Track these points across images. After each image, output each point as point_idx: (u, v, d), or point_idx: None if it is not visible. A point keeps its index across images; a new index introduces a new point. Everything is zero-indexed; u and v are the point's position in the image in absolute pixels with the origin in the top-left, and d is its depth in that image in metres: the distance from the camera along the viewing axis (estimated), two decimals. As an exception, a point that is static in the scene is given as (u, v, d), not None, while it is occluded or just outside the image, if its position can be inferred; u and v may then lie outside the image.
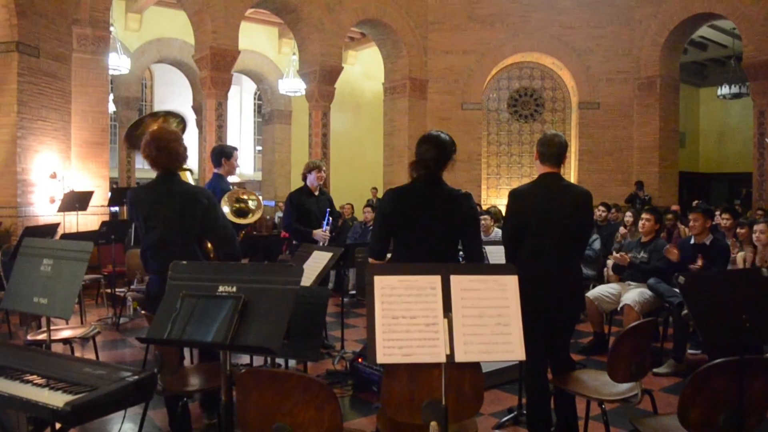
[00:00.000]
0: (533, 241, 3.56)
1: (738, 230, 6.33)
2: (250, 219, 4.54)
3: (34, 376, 2.36)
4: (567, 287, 3.57)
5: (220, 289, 2.29)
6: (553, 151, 3.62)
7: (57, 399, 2.14)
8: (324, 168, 6.34)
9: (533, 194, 3.66)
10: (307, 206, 6.09)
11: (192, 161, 15.85)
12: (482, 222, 8.09)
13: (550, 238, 3.54)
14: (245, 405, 2.28)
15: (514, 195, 3.77)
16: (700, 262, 5.43)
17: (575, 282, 3.69)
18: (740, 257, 5.93)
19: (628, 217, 8.51)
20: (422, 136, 3.62)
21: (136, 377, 2.31)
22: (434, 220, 3.41)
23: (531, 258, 3.54)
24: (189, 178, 4.04)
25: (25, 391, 2.25)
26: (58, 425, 2.36)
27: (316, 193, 6.22)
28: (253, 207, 4.58)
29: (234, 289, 2.27)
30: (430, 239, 3.42)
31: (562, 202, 3.59)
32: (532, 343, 3.38)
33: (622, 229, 8.25)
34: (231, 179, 5.59)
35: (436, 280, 2.16)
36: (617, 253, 6.26)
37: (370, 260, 3.59)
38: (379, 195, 15.95)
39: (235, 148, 5.50)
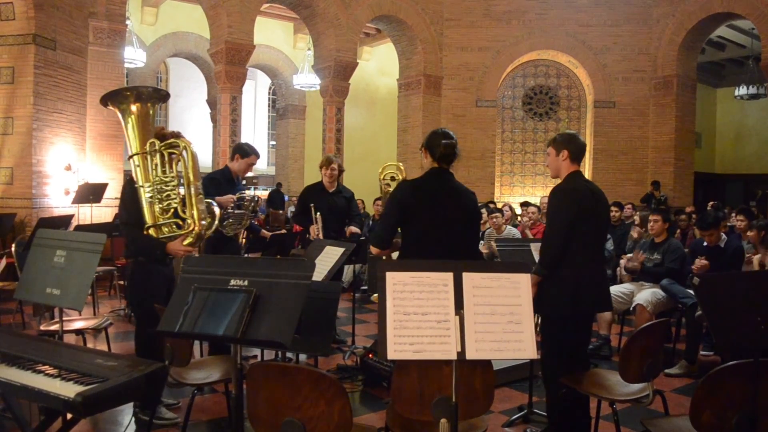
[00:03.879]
0: (587, 240, 3.54)
1: (748, 233, 6.26)
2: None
3: (47, 367, 2.37)
4: (607, 286, 3.72)
5: (232, 282, 2.29)
6: (582, 150, 3.67)
7: (68, 389, 2.15)
8: (335, 164, 6.11)
9: (584, 193, 3.57)
10: (314, 203, 5.89)
11: (205, 155, 15.90)
12: (493, 220, 8.08)
13: (600, 237, 3.63)
14: (255, 399, 2.27)
15: (567, 192, 3.57)
16: (703, 262, 5.41)
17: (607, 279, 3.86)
18: (756, 259, 5.86)
19: (636, 217, 8.48)
20: (438, 131, 3.73)
21: (147, 369, 2.32)
22: (450, 213, 3.50)
23: (587, 259, 3.52)
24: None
25: (37, 381, 2.26)
26: (69, 415, 2.38)
27: (331, 190, 6.06)
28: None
29: (245, 282, 2.27)
30: (445, 231, 3.49)
31: (604, 201, 3.69)
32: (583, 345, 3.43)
33: (637, 230, 8.21)
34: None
35: (449, 277, 2.15)
36: (630, 254, 6.23)
37: (374, 249, 3.63)
38: (391, 191, 15.91)
39: (255, 153, 5.36)
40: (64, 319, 4.72)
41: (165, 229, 3.80)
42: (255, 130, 21.86)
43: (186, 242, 3.79)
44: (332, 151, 13.68)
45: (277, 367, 2.34)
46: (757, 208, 13.48)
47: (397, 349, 2.06)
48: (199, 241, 3.84)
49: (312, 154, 17.52)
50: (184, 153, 3.73)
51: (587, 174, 14.67)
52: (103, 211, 9.54)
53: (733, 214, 8.38)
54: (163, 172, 3.75)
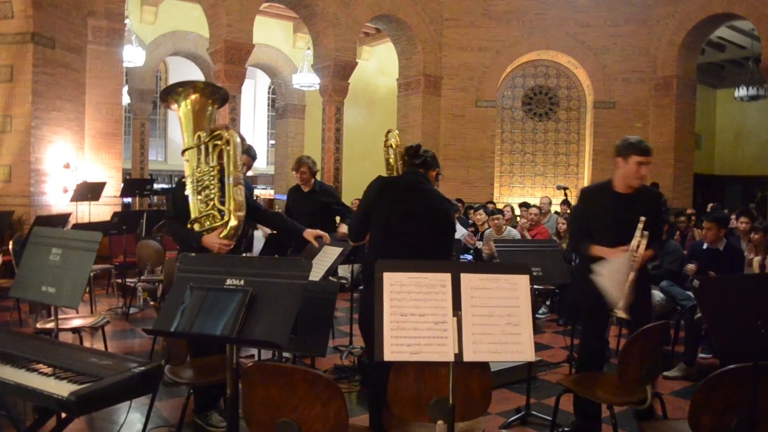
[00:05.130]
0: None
1: (752, 235, 6.24)
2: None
3: (41, 365, 2.36)
4: None
5: (228, 282, 2.27)
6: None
7: (62, 388, 2.14)
8: (304, 167, 6.00)
9: None
10: (292, 203, 6.05)
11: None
12: (494, 221, 8.06)
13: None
14: (251, 399, 2.26)
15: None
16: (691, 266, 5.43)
17: None
18: (756, 262, 5.85)
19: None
20: (416, 145, 3.85)
21: (142, 368, 2.31)
22: (416, 211, 3.56)
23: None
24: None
25: (31, 380, 2.25)
26: (63, 414, 2.36)
27: (306, 190, 6.04)
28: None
29: (242, 282, 2.25)
30: (407, 228, 3.54)
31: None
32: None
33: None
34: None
35: (446, 277, 2.13)
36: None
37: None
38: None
39: (253, 156, 5.22)
40: (61, 317, 4.73)
41: (206, 222, 3.74)
42: (254, 129, 21.84)
43: (222, 235, 3.69)
44: (332, 150, 13.68)
45: (273, 368, 2.32)
46: (757, 209, 13.45)
47: (393, 351, 2.04)
48: (235, 235, 3.73)
49: (311, 154, 17.30)
50: (226, 144, 3.68)
51: (586, 175, 14.70)
52: (102, 210, 9.52)
53: (733, 216, 8.35)
54: (206, 163, 3.70)
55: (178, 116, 3.86)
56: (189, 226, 3.73)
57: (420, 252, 3.43)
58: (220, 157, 3.72)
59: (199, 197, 3.71)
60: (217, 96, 3.89)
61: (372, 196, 3.62)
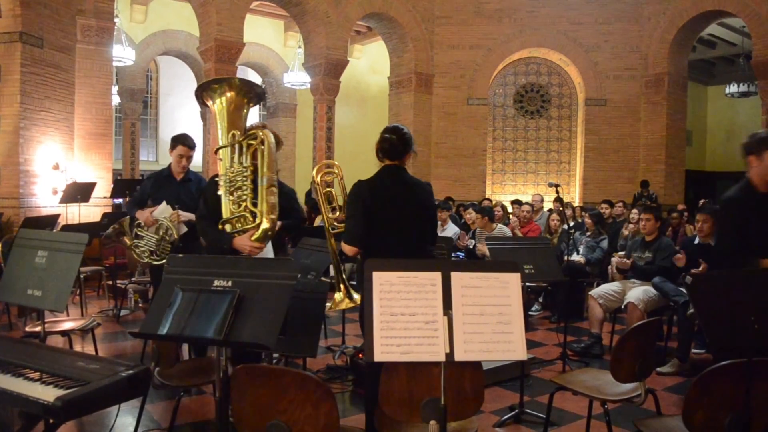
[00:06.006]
0: None
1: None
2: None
3: (27, 370, 2.32)
4: None
5: (216, 283, 2.24)
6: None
7: (48, 393, 2.10)
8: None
9: None
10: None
11: (195, 155, 15.80)
12: (484, 221, 8.02)
13: None
14: (240, 402, 2.23)
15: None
16: (680, 256, 5.42)
17: None
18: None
19: (634, 214, 8.45)
20: (387, 128, 3.80)
21: (129, 372, 2.27)
22: (405, 208, 3.54)
23: None
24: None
25: (16, 385, 2.20)
26: (51, 420, 2.32)
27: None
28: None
29: (229, 283, 2.22)
30: (400, 227, 3.52)
31: None
32: None
33: (631, 227, 8.20)
34: None
35: (437, 276, 2.11)
36: (622, 251, 6.20)
37: (347, 248, 3.56)
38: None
39: (182, 143, 4.97)
40: (51, 320, 4.69)
41: (237, 224, 3.58)
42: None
43: (254, 238, 3.51)
44: (323, 149, 13.64)
45: (263, 369, 2.29)
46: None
47: (384, 351, 2.02)
48: (267, 238, 3.58)
49: (303, 153, 17.46)
50: (260, 144, 3.54)
51: (578, 172, 14.72)
52: (92, 211, 9.47)
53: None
54: (240, 163, 3.56)
55: (213, 113, 3.76)
56: (220, 227, 3.60)
57: (407, 245, 3.43)
58: (254, 157, 3.59)
59: (231, 197, 3.56)
60: (252, 94, 3.76)
61: (363, 199, 3.55)
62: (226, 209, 3.58)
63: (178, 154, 4.90)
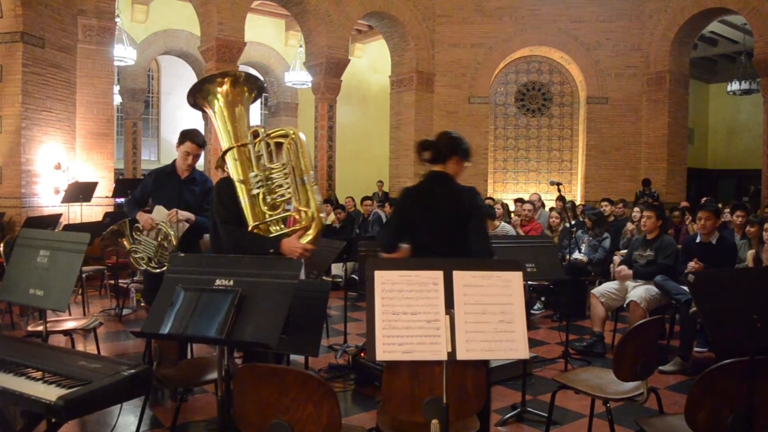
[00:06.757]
0: None
1: (748, 228, 6.24)
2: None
3: (29, 369, 2.32)
4: None
5: (217, 282, 2.24)
6: None
7: (50, 393, 2.10)
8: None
9: None
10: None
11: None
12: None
13: None
14: (242, 401, 2.23)
15: None
16: (693, 264, 5.36)
17: None
18: (750, 255, 5.84)
19: (636, 212, 8.45)
20: (420, 141, 3.66)
21: (131, 371, 2.27)
22: (442, 213, 3.43)
23: None
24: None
25: (19, 385, 2.21)
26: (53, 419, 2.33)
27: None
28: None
29: (231, 282, 2.22)
30: (436, 232, 3.44)
31: None
32: None
33: (629, 225, 8.19)
34: None
35: (439, 275, 2.10)
36: (624, 249, 6.18)
37: (383, 254, 3.56)
38: (386, 188, 15.90)
39: (191, 139, 4.49)
40: (53, 319, 4.69)
41: (273, 228, 3.31)
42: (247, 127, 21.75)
43: (307, 239, 3.28)
44: (325, 148, 13.65)
45: (265, 369, 2.29)
46: (750, 203, 13.48)
47: (386, 350, 2.02)
48: (318, 239, 3.37)
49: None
50: (292, 142, 3.30)
51: (580, 170, 14.71)
52: (94, 210, 9.47)
53: (726, 210, 8.36)
54: (275, 161, 3.31)
55: (211, 114, 3.51)
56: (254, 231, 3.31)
57: (444, 253, 3.33)
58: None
59: (271, 197, 3.29)
60: (249, 84, 3.53)
61: (400, 206, 3.57)
62: (255, 212, 3.29)
63: (185, 150, 4.48)
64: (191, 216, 4.45)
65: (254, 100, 3.66)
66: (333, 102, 13.81)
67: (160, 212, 4.43)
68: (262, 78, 19.44)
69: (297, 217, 3.32)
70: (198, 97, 3.46)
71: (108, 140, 10.38)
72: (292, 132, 3.34)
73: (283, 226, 3.34)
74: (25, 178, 8.86)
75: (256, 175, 3.28)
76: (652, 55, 14.01)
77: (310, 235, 3.30)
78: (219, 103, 3.45)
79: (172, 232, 4.35)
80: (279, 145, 3.36)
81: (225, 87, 3.44)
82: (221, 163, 3.45)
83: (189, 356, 4.69)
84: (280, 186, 3.29)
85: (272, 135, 3.34)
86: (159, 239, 4.41)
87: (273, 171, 3.29)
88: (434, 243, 3.44)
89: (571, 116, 15.06)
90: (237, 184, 3.30)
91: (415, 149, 3.63)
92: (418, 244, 3.51)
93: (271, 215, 3.30)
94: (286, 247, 3.25)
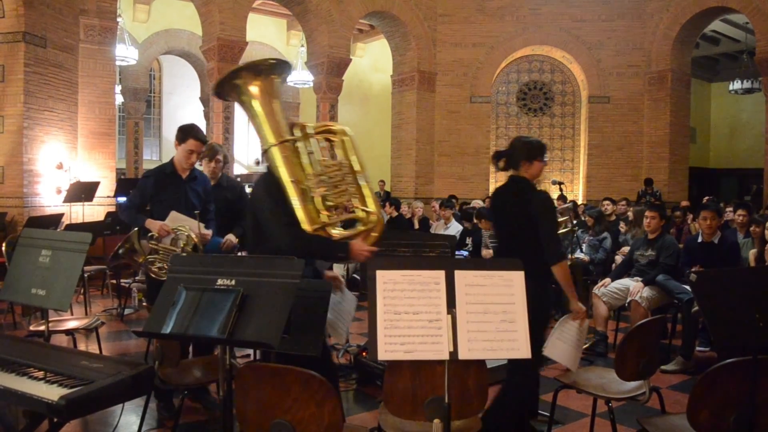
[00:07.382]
0: None
1: (753, 228, 6.22)
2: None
3: (31, 369, 2.33)
4: None
5: (219, 282, 2.24)
6: None
7: (52, 392, 2.11)
8: (220, 155, 4.88)
9: None
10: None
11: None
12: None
13: None
14: (244, 400, 2.23)
15: None
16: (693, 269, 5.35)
17: None
18: (752, 254, 5.83)
19: (630, 213, 8.50)
20: (496, 152, 3.90)
21: (134, 371, 2.27)
22: (512, 216, 3.71)
23: None
24: None
25: (21, 384, 2.21)
26: (55, 419, 2.33)
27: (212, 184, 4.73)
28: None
29: (233, 282, 2.22)
30: (509, 235, 3.79)
31: None
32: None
33: (622, 225, 8.26)
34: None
35: (440, 275, 2.10)
36: (625, 247, 6.18)
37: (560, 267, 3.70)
38: (387, 188, 15.84)
39: (195, 136, 4.28)
40: (55, 319, 4.69)
41: (333, 231, 3.02)
42: (248, 128, 21.77)
43: (371, 241, 3.11)
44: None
45: (267, 368, 2.29)
46: (752, 202, 13.46)
47: (387, 350, 2.02)
48: (380, 241, 3.18)
49: (306, 152, 17.43)
50: (344, 138, 3.14)
51: (582, 170, 14.69)
52: (95, 210, 9.48)
53: (729, 209, 8.35)
54: (329, 158, 3.12)
55: (246, 110, 3.24)
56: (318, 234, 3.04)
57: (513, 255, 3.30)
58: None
59: (334, 194, 3.05)
60: (276, 70, 3.35)
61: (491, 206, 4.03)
62: (307, 214, 2.98)
63: (188, 149, 4.21)
64: (209, 233, 4.24)
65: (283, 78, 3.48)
66: (334, 101, 13.81)
67: (176, 219, 4.15)
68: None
69: (364, 217, 3.11)
70: (233, 89, 3.21)
71: (110, 140, 10.39)
72: (340, 128, 3.19)
73: (341, 228, 3.07)
74: (27, 178, 8.86)
75: (313, 175, 3.03)
76: (654, 54, 14.00)
77: (374, 236, 3.12)
78: (256, 95, 3.22)
79: (193, 234, 4.09)
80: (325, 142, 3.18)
81: (261, 78, 3.24)
82: (264, 160, 3.27)
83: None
84: (338, 186, 3.07)
85: (319, 130, 3.17)
86: (180, 245, 4.10)
87: (330, 170, 3.07)
88: (509, 244, 3.77)
89: (572, 115, 15.06)
90: (287, 184, 3.00)
91: (491, 161, 3.98)
92: (498, 246, 3.93)
93: (329, 216, 3.03)
94: (355, 251, 3.07)
